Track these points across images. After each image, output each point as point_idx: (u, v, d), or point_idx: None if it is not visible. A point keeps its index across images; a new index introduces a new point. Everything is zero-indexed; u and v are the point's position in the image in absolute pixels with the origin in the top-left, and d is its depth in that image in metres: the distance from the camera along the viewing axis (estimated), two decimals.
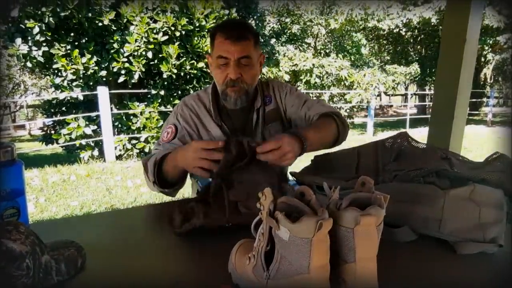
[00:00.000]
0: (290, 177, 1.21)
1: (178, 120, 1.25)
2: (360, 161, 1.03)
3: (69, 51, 5.20)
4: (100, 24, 5.24)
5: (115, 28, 5.38)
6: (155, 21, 5.37)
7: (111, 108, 5.52)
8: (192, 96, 1.30)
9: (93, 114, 5.57)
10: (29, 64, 5.26)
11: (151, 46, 5.32)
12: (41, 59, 5.16)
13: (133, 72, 5.41)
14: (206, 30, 5.74)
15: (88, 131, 5.51)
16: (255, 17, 8.18)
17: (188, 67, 5.59)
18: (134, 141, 5.77)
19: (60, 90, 5.45)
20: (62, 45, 5.16)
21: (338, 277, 0.55)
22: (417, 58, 14.49)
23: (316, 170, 1.08)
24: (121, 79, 5.50)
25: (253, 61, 1.15)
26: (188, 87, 5.86)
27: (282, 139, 0.90)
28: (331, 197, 0.57)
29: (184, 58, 5.54)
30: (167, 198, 3.62)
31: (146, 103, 5.79)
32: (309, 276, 0.50)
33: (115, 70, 5.38)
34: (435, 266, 0.69)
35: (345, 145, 1.19)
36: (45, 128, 6.14)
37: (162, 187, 1.09)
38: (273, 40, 11.06)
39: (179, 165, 0.99)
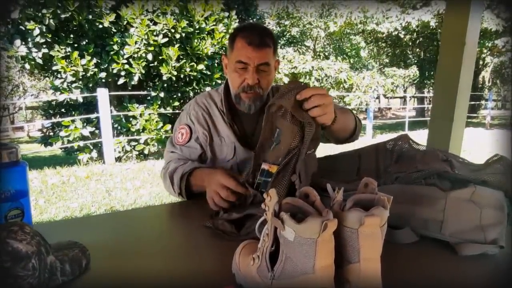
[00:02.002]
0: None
1: (191, 120, 1.24)
2: (361, 163, 1.03)
3: (68, 53, 5.21)
4: (100, 26, 5.25)
5: (115, 30, 5.39)
6: (155, 23, 5.39)
7: (111, 110, 5.53)
8: (204, 95, 1.29)
9: (93, 116, 5.58)
10: (28, 66, 5.27)
11: (151, 48, 5.34)
12: (41, 61, 5.17)
13: (133, 74, 5.42)
14: (206, 32, 5.76)
15: (86, 132, 5.51)
16: (254, 19, 8.21)
17: (188, 69, 5.61)
18: (133, 143, 5.77)
19: (59, 92, 5.45)
20: (62, 47, 5.18)
21: (342, 277, 0.56)
22: (415, 61, 14.55)
23: (317, 172, 1.09)
24: (121, 81, 5.51)
25: (271, 68, 1.15)
26: (187, 89, 5.87)
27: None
28: (334, 198, 0.58)
29: (184, 60, 5.56)
30: (167, 200, 3.62)
31: (145, 105, 5.80)
32: (314, 276, 0.50)
33: (114, 72, 5.40)
34: (437, 268, 0.70)
35: (346, 147, 1.20)
36: (44, 130, 6.14)
37: (188, 198, 1.12)
38: None
39: (204, 185, 1.01)
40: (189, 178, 1.09)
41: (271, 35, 1.16)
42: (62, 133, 5.44)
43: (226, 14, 6.02)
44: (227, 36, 4.91)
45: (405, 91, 17.70)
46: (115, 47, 5.31)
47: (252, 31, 1.13)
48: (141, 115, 5.69)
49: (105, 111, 5.34)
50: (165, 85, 5.70)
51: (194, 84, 5.86)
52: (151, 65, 5.55)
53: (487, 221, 0.75)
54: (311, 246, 0.49)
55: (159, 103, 5.73)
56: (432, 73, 13.32)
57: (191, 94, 5.89)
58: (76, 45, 5.35)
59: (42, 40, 5.05)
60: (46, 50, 5.14)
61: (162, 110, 5.77)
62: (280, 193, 0.85)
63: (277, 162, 0.88)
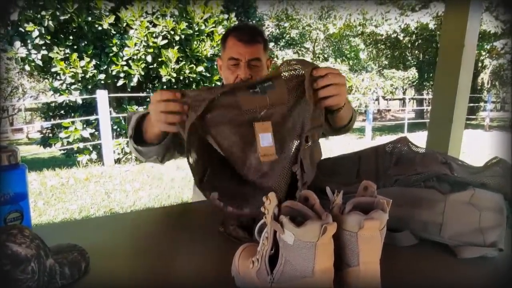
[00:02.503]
0: None
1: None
2: (360, 165, 1.03)
3: (68, 55, 5.21)
4: (99, 28, 5.26)
5: (114, 32, 5.40)
6: (155, 25, 5.40)
7: (110, 112, 5.53)
8: None
9: (92, 117, 5.58)
10: (27, 68, 5.27)
11: (151, 50, 5.34)
12: (40, 63, 5.17)
13: (132, 76, 5.43)
14: (206, 34, 5.77)
15: (85, 134, 5.50)
16: (254, 21, 8.23)
17: (187, 71, 5.61)
18: None
19: (59, 94, 5.45)
20: (61, 48, 5.18)
21: (342, 281, 0.56)
22: (415, 63, 14.58)
23: (317, 175, 1.09)
24: (120, 82, 5.51)
25: (263, 64, 1.18)
26: None
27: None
28: (334, 201, 0.58)
29: (183, 62, 5.56)
30: (166, 202, 3.62)
31: (145, 106, 5.80)
32: (313, 279, 0.50)
33: (114, 73, 5.40)
34: (436, 270, 0.70)
35: (345, 149, 1.20)
36: (44, 131, 6.14)
37: (136, 143, 0.99)
38: (271, 45, 11.10)
39: (152, 123, 0.89)
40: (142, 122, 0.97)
41: (261, 33, 1.20)
42: (62, 135, 5.44)
43: (226, 16, 6.04)
44: None
45: (404, 93, 17.73)
46: (115, 49, 5.31)
47: (242, 29, 1.19)
48: None
49: (104, 113, 5.34)
50: (165, 87, 5.70)
51: (194, 86, 5.87)
52: (150, 67, 5.55)
53: (487, 224, 0.75)
54: (311, 250, 0.49)
55: None
56: (431, 75, 13.36)
57: None
58: (75, 46, 5.36)
59: (42, 42, 5.06)
60: (45, 52, 5.15)
61: None
62: (280, 185, 0.80)
63: (251, 109, 0.81)
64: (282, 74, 0.80)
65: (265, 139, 0.80)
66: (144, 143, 0.97)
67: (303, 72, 0.80)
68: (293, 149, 0.82)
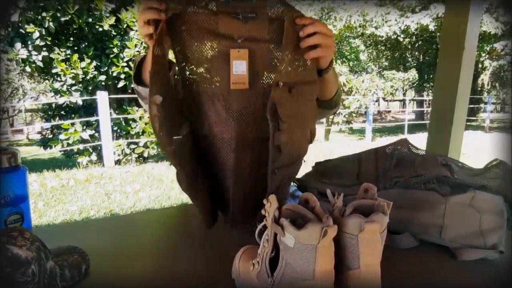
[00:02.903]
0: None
1: None
2: (361, 167, 1.03)
3: (68, 56, 5.22)
4: (100, 29, 5.26)
5: (115, 33, 5.40)
6: None
7: (110, 113, 5.53)
8: None
9: (92, 118, 5.58)
10: (28, 69, 5.28)
11: None
12: (41, 64, 5.18)
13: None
14: None
15: (85, 135, 5.51)
16: None
17: (187, 72, 5.61)
18: (133, 146, 5.77)
19: (59, 95, 5.45)
20: (61, 49, 5.19)
21: (342, 283, 0.56)
22: (415, 64, 14.58)
23: (316, 177, 1.09)
24: (121, 84, 5.51)
25: None
26: None
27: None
28: (334, 204, 0.58)
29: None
30: (166, 203, 3.62)
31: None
32: (314, 282, 0.50)
33: (114, 74, 5.40)
34: (436, 273, 0.70)
35: (345, 151, 1.20)
36: (44, 133, 6.14)
37: (137, 83, 0.95)
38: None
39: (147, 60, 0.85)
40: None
41: None
42: (62, 136, 5.44)
43: None
44: None
45: (404, 94, 17.74)
46: (115, 50, 5.32)
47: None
48: (140, 118, 5.69)
49: (104, 114, 5.34)
50: None
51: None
52: None
53: (487, 226, 0.75)
54: (311, 252, 0.49)
55: None
56: (431, 76, 13.36)
57: None
58: (76, 48, 5.36)
59: (42, 43, 5.06)
60: (46, 53, 5.15)
61: None
62: (245, 133, 0.78)
63: (228, 33, 0.77)
64: (267, 10, 0.77)
65: (239, 67, 0.77)
66: (142, 83, 0.91)
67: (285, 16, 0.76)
68: (265, 88, 0.79)
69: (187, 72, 0.83)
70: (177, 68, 0.83)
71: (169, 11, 0.74)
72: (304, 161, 0.97)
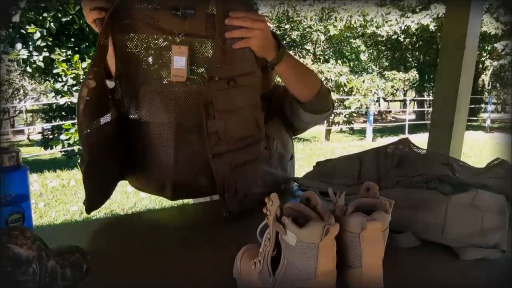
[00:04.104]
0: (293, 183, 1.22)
1: None
2: (362, 167, 1.03)
3: (69, 56, 5.22)
4: None
5: None
6: None
7: None
8: None
9: None
10: (29, 69, 5.29)
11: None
12: (42, 64, 5.19)
13: None
14: None
15: None
16: None
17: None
18: None
19: (60, 95, 5.46)
20: (62, 50, 5.19)
21: (344, 282, 0.56)
22: (415, 64, 14.59)
23: (318, 176, 1.09)
24: None
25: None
26: None
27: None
28: (336, 202, 0.58)
29: None
30: (167, 204, 3.61)
31: None
32: (316, 281, 0.50)
33: None
34: (438, 272, 0.70)
35: (346, 151, 1.20)
36: (45, 133, 6.15)
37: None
38: None
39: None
40: None
41: None
42: (63, 136, 5.45)
43: None
44: None
45: (405, 95, 17.73)
46: None
47: None
48: None
49: None
50: None
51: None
52: None
53: (489, 225, 0.74)
54: (313, 251, 0.49)
55: None
56: (431, 76, 13.36)
57: None
58: (77, 48, 5.37)
59: (43, 44, 5.07)
60: (47, 54, 5.16)
61: None
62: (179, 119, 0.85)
63: (168, 29, 0.82)
64: (208, 8, 0.82)
65: (179, 62, 0.83)
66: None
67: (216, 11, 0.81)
68: (203, 81, 0.85)
69: (127, 64, 0.87)
70: (116, 60, 0.88)
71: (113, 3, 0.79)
72: (266, 148, 1.07)
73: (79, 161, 0.92)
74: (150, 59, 0.85)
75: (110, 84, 0.89)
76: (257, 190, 1.01)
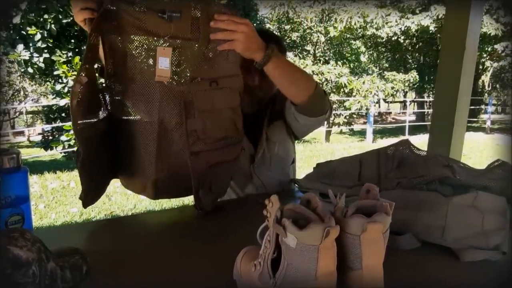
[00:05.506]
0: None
1: None
2: (362, 168, 1.03)
3: (70, 58, 5.23)
4: None
5: None
6: None
7: None
8: None
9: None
10: (30, 71, 5.29)
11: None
12: (42, 66, 5.19)
13: None
14: None
15: None
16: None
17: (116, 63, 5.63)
18: None
19: (60, 97, 5.46)
20: (63, 51, 5.20)
21: (345, 284, 0.55)
22: (415, 66, 14.58)
23: (318, 178, 1.09)
24: None
25: None
26: None
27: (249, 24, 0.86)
28: (336, 204, 0.58)
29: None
30: (167, 205, 3.61)
31: None
32: (316, 283, 0.50)
33: None
34: (439, 274, 0.70)
35: (347, 153, 1.20)
36: (45, 134, 6.15)
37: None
38: None
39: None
40: None
41: (272, 36, 1.23)
42: (63, 138, 5.45)
43: None
44: None
45: (405, 96, 17.72)
46: None
47: None
48: None
49: None
50: None
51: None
52: None
53: (490, 226, 0.74)
54: (313, 253, 0.49)
55: None
56: (432, 77, 13.35)
57: None
58: (77, 50, 5.38)
59: (44, 45, 5.08)
60: (47, 55, 5.17)
61: None
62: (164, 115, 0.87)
63: (154, 31, 0.84)
64: (192, 10, 0.84)
65: (163, 62, 0.85)
66: None
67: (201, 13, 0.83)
68: (185, 82, 0.87)
69: (116, 63, 0.90)
70: (106, 59, 0.90)
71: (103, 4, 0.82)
72: (243, 149, 1.08)
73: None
74: (136, 59, 0.87)
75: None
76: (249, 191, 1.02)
